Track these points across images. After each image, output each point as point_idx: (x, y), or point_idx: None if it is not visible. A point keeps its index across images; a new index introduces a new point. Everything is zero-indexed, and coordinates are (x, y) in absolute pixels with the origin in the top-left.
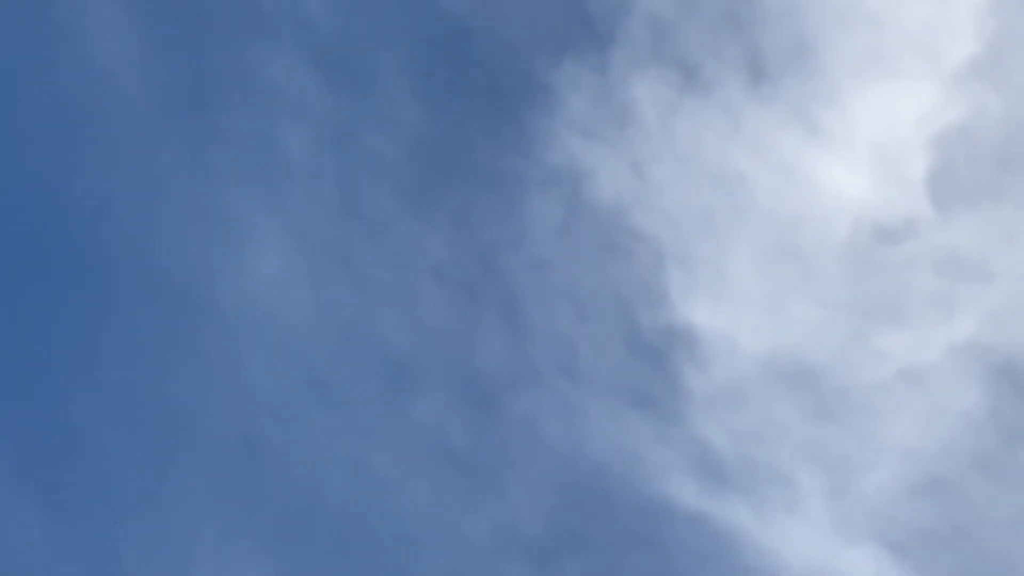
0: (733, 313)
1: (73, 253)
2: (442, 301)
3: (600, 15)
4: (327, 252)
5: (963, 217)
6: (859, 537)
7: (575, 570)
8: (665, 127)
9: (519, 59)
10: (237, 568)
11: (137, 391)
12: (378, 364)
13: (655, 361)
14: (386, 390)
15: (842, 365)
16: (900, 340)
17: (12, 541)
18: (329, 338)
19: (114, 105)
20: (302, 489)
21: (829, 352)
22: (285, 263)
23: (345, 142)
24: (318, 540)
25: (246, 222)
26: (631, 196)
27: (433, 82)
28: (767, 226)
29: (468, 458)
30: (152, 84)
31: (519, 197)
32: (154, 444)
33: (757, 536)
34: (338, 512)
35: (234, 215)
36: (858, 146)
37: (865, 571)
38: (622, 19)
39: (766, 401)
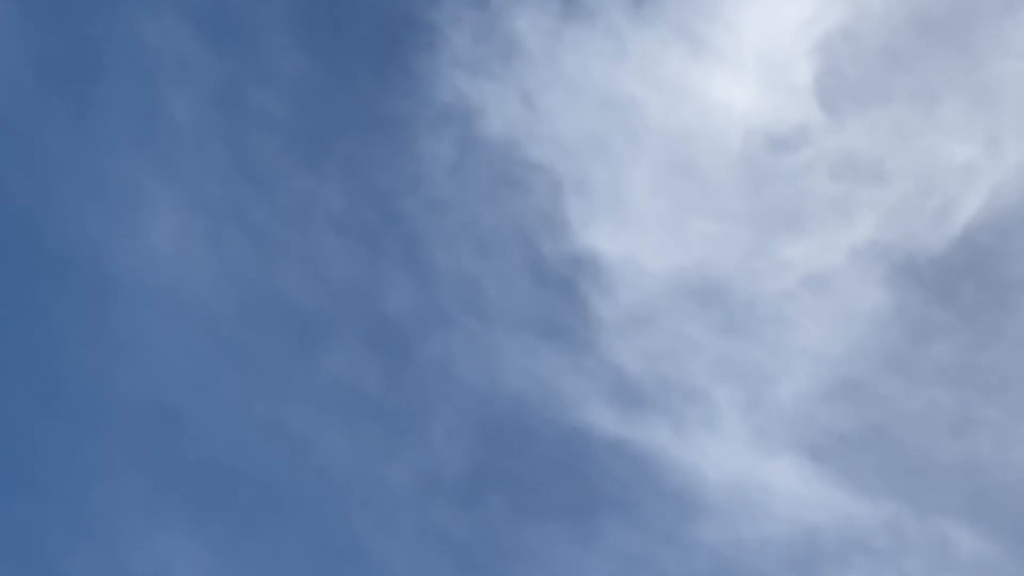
0: (634, 236)
1: None
2: (343, 251)
3: None
4: (222, 213)
5: (853, 120)
6: (778, 446)
7: (500, 506)
8: (550, 56)
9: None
10: (161, 537)
11: (44, 368)
12: (285, 320)
13: (561, 291)
14: (295, 345)
15: (746, 277)
16: (802, 247)
17: None
18: (232, 299)
19: None
20: (220, 453)
21: (732, 265)
22: (180, 227)
23: (230, 100)
24: (241, 502)
25: (137, 189)
26: (522, 128)
27: (314, 31)
28: (660, 146)
29: (384, 405)
30: (28, 53)
31: (411, 140)
32: (66, 421)
33: (677, 455)
34: (258, 472)
35: (124, 183)
36: (744, 58)
37: (786, 479)
38: None
39: (675, 320)
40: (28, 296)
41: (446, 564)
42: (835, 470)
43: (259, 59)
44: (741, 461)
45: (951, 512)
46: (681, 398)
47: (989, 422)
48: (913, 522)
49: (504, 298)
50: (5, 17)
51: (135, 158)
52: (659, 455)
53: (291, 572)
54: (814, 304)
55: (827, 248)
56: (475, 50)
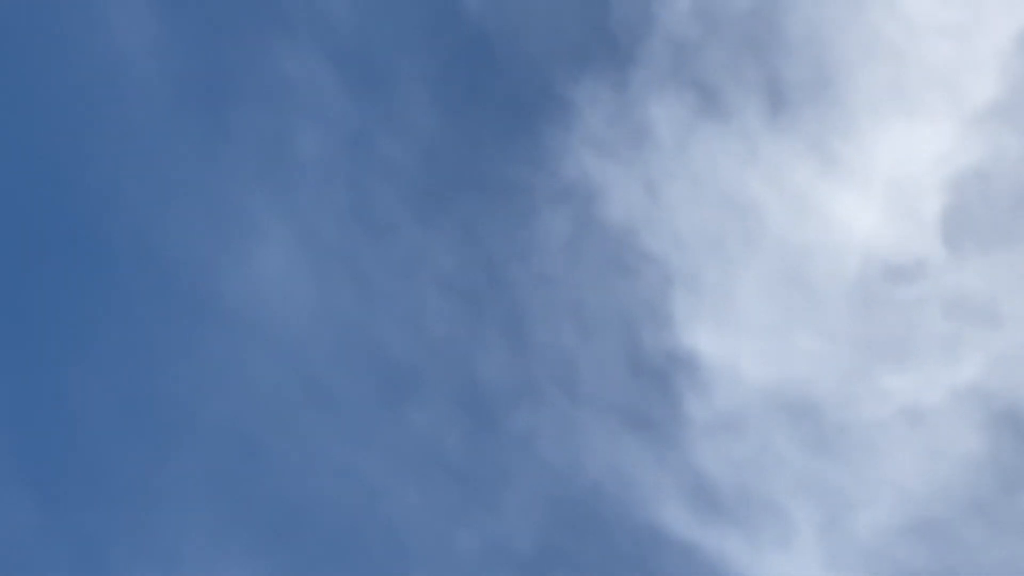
0: (738, 340)
1: (79, 241)
2: (446, 310)
3: (622, 32)
4: (333, 254)
5: (975, 260)
6: (850, 574)
7: None
8: (681, 149)
9: (539, 71)
10: (223, 566)
11: (135, 383)
12: (378, 369)
13: (656, 384)
14: (384, 396)
15: (844, 400)
16: (904, 379)
17: (2, 528)
18: (330, 341)
19: (130, 94)
20: (294, 491)
21: (832, 386)
22: (290, 263)
23: (359, 144)
24: (306, 543)
25: (254, 219)
26: (642, 216)
27: (451, 89)
28: (777, 256)
29: (463, 470)
30: (169, 75)
31: (530, 210)
32: (149, 437)
33: (747, 567)
34: (328, 516)
35: (243, 212)
36: (874, 182)
37: None
38: (644, 38)
39: (765, 432)
40: (131, 308)
41: None
42: None
43: (393, 109)
44: None
45: None
46: (759, 511)
47: None
48: None
49: (597, 382)
50: (149, 39)
51: (256, 187)
52: (729, 564)
53: None
54: (908, 438)
55: (929, 384)
56: (607, 131)
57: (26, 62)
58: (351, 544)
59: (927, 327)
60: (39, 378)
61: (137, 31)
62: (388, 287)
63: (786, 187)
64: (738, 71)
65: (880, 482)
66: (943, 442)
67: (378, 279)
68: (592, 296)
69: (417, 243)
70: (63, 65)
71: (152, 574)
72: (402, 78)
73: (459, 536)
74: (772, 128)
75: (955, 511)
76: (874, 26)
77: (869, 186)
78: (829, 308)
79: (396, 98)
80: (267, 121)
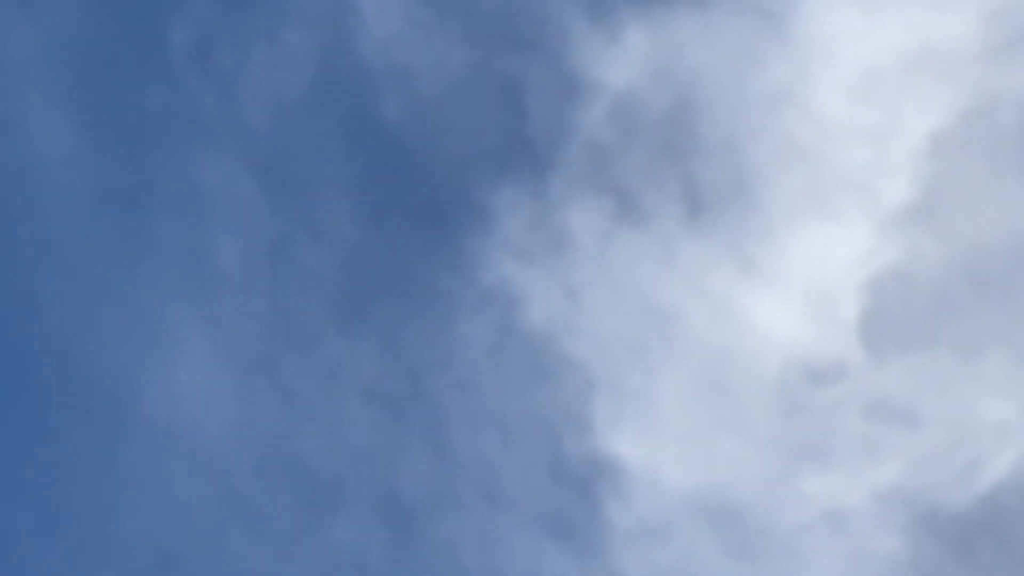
0: (659, 446)
1: None
2: (367, 420)
3: (540, 139)
4: (254, 365)
5: (894, 361)
6: None
7: None
8: (600, 254)
9: (457, 178)
10: None
11: (52, 496)
12: (299, 481)
13: (578, 491)
14: (306, 508)
15: (766, 504)
16: (825, 483)
17: None
18: (251, 453)
19: (49, 205)
20: None
21: (753, 491)
22: (211, 374)
23: (279, 253)
24: None
25: (174, 330)
26: (562, 322)
27: (371, 197)
28: (697, 360)
29: None
30: (88, 185)
31: (450, 317)
32: (66, 550)
33: None
34: None
35: (162, 322)
36: (792, 285)
37: None
38: (562, 144)
39: (688, 537)
40: (48, 419)
41: None
42: None
43: (313, 217)
44: None
45: None
46: None
47: None
48: None
49: (519, 490)
50: (67, 148)
51: (177, 299)
52: None
53: None
54: (830, 541)
55: (850, 487)
56: (526, 238)
57: None
58: None
59: (847, 429)
60: None
61: (55, 142)
62: (309, 397)
63: (705, 291)
64: (655, 176)
65: None
66: (864, 545)
67: (299, 389)
68: (513, 403)
69: (338, 353)
70: None
71: None
72: (321, 187)
73: None
74: (690, 232)
75: None
76: (789, 130)
77: (787, 289)
78: (750, 412)
79: (315, 207)
80: (186, 231)
